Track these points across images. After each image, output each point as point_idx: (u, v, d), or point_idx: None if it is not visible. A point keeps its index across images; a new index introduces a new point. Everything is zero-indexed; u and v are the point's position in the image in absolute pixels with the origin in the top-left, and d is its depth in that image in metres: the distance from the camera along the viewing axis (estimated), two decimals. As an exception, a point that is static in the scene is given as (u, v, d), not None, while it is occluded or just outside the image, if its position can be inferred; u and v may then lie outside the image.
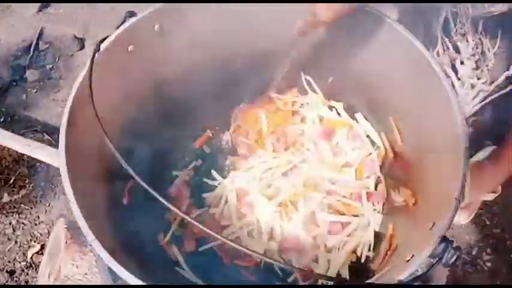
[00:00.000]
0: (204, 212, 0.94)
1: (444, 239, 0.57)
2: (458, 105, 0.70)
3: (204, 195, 0.96)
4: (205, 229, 0.49)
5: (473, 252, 1.18)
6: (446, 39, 1.27)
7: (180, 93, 0.90)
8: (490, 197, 1.16)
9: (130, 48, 0.80)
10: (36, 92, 1.43)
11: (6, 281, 1.12)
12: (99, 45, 0.73)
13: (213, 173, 0.98)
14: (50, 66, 1.48)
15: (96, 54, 0.69)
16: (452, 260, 0.56)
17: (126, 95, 0.84)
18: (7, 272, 1.14)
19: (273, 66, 0.95)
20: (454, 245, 0.57)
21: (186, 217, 0.51)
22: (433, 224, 0.61)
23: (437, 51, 1.25)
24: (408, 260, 0.58)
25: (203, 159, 1.02)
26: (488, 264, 1.16)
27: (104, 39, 0.75)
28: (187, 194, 0.96)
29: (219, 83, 0.91)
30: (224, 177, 0.97)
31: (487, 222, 1.21)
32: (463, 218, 1.17)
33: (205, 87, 0.91)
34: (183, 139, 1.03)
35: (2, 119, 1.37)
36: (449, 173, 0.68)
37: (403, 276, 0.57)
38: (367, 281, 0.65)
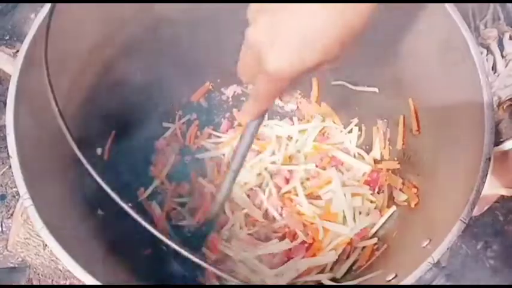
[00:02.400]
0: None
1: (436, 264, 0.49)
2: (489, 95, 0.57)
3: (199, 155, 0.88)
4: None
5: (478, 247, 1.10)
6: (500, 8, 1.09)
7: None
8: (509, 192, 1.05)
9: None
10: None
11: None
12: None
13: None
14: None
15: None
16: (441, 289, 0.48)
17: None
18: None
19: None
20: (446, 272, 0.49)
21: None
22: (429, 241, 0.53)
23: (486, 22, 1.07)
24: (389, 281, 0.50)
25: (198, 113, 0.93)
26: (491, 261, 1.08)
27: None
28: (177, 148, 0.89)
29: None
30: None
31: (500, 218, 1.11)
32: (475, 210, 1.07)
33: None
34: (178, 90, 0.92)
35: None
36: (464, 173, 0.58)
37: None
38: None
